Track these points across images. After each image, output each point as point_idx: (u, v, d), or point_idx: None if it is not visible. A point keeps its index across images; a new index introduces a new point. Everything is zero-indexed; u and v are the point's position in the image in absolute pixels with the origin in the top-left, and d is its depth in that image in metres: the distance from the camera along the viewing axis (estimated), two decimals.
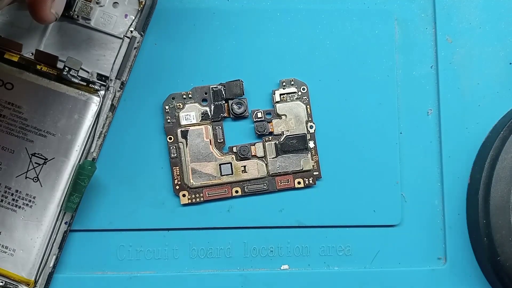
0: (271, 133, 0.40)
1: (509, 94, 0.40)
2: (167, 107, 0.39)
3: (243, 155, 0.39)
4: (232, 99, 0.40)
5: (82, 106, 0.38)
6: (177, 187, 0.39)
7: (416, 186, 0.40)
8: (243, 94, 0.40)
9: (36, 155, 0.38)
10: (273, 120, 0.40)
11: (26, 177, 0.38)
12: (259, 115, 0.40)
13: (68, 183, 0.38)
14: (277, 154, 0.39)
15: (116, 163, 0.39)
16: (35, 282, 0.37)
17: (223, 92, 0.40)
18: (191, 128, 0.40)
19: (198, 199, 0.39)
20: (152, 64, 0.40)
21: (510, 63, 0.41)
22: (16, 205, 0.37)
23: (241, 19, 0.40)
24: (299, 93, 0.40)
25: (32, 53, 0.38)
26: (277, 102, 0.40)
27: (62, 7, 0.34)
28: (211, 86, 0.40)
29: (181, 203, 0.39)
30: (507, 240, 0.37)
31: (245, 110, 0.40)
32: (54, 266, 0.38)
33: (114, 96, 0.38)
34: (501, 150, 0.38)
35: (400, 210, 0.40)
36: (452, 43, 0.41)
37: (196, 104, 0.40)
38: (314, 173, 0.40)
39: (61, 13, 0.34)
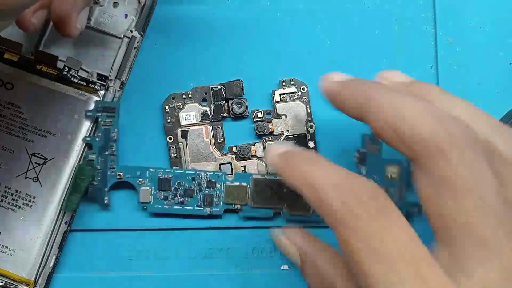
0: (271, 133, 0.40)
1: (509, 94, 0.40)
2: (167, 107, 0.39)
3: (243, 155, 0.39)
4: (232, 99, 0.40)
5: (82, 106, 0.38)
6: None
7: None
8: (243, 94, 0.40)
9: (36, 155, 0.38)
10: (273, 120, 0.40)
11: (26, 177, 0.38)
12: (259, 115, 0.40)
13: (68, 183, 0.38)
14: None
15: None
16: (35, 282, 0.37)
17: (223, 92, 0.40)
18: (191, 128, 0.40)
19: None
20: (152, 64, 0.40)
21: (510, 63, 0.41)
22: (16, 205, 0.37)
23: (241, 19, 0.40)
24: (299, 93, 0.40)
25: (32, 53, 0.38)
26: (277, 102, 0.40)
27: (86, 20, 0.35)
28: (211, 86, 0.40)
29: None
30: None
31: (245, 110, 0.40)
32: (54, 266, 0.38)
33: (114, 96, 0.38)
34: None
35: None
36: (452, 43, 0.41)
37: (196, 104, 0.40)
38: None
39: (84, 26, 0.35)
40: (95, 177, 0.38)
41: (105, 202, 0.38)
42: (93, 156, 0.38)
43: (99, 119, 0.38)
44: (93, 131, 0.38)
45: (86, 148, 0.38)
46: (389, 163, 0.39)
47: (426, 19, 0.41)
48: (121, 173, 0.38)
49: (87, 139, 0.38)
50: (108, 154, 0.38)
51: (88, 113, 0.38)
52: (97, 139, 0.38)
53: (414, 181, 0.27)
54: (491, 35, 0.41)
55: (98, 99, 0.38)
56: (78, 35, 0.35)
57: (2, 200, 0.37)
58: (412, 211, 0.39)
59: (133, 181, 0.38)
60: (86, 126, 0.38)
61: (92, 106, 0.38)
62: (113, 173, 0.38)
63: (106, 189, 0.38)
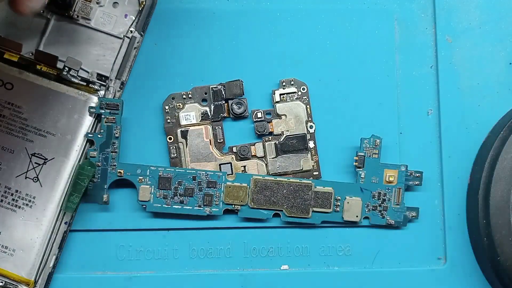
0: (271, 133, 0.40)
1: (509, 94, 0.40)
2: (167, 107, 0.39)
3: (243, 155, 0.39)
4: (232, 99, 0.40)
5: (82, 106, 0.38)
6: None
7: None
8: (243, 94, 0.40)
9: (36, 155, 0.38)
10: (273, 120, 0.40)
11: (26, 177, 0.38)
12: (259, 115, 0.40)
13: (68, 183, 0.38)
14: (277, 154, 0.39)
15: None
16: (35, 282, 0.37)
17: (223, 92, 0.40)
18: (191, 128, 0.40)
19: None
20: (152, 64, 0.40)
21: (510, 63, 0.41)
22: (16, 205, 0.37)
23: (241, 19, 0.40)
24: (299, 93, 0.40)
25: (32, 53, 0.38)
26: (277, 102, 0.40)
27: (40, 2, 0.33)
28: (211, 86, 0.40)
29: None
30: (507, 240, 0.37)
31: (245, 110, 0.40)
32: (54, 266, 0.38)
33: (114, 96, 0.38)
34: (501, 150, 0.38)
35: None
36: (452, 43, 0.41)
37: (196, 104, 0.40)
38: (314, 173, 0.40)
39: (38, 8, 0.33)
40: (95, 174, 0.38)
41: (104, 199, 0.38)
42: (94, 153, 0.38)
43: (102, 116, 0.38)
44: (95, 128, 0.38)
45: (87, 146, 0.38)
46: (388, 167, 0.39)
47: (426, 19, 0.41)
48: (121, 171, 0.38)
49: (89, 135, 0.38)
50: (109, 151, 0.38)
51: (92, 110, 0.38)
52: (99, 135, 0.38)
53: None
54: (491, 35, 0.41)
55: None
56: (28, 14, 0.33)
57: (2, 200, 0.37)
58: (411, 215, 0.39)
59: (133, 179, 0.38)
60: (86, 125, 0.38)
61: (92, 105, 0.38)
62: (113, 171, 0.38)
63: (105, 186, 0.38)
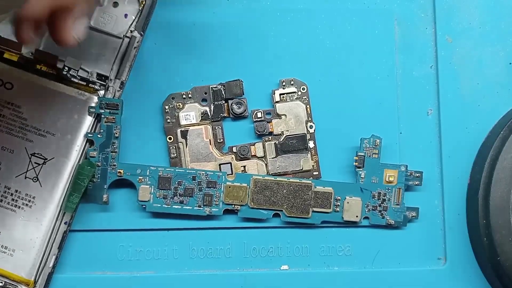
0: (271, 133, 0.40)
1: (509, 94, 0.40)
2: (167, 107, 0.39)
3: (243, 155, 0.39)
4: (232, 99, 0.40)
5: (81, 106, 0.38)
6: None
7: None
8: (243, 94, 0.40)
9: (35, 155, 0.38)
10: (273, 120, 0.40)
11: (25, 177, 0.37)
12: (259, 115, 0.40)
13: (68, 183, 0.38)
14: (277, 154, 0.39)
15: None
16: (35, 282, 0.37)
17: (223, 92, 0.40)
18: (190, 128, 0.40)
19: None
20: (152, 64, 0.40)
21: (510, 63, 0.41)
22: (16, 205, 0.37)
23: (241, 19, 0.40)
24: (299, 93, 0.40)
25: (32, 53, 0.38)
26: (277, 102, 0.40)
27: (83, 31, 0.32)
28: (211, 86, 0.40)
29: None
30: (507, 240, 0.37)
31: (245, 110, 0.40)
32: (54, 266, 0.38)
33: (114, 96, 0.38)
34: (501, 150, 0.38)
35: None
36: (452, 43, 0.41)
37: (196, 104, 0.40)
38: (314, 173, 0.40)
39: (82, 38, 0.32)
40: (95, 174, 0.38)
41: (104, 199, 0.38)
42: (94, 153, 0.38)
43: (102, 116, 0.38)
44: (94, 128, 0.38)
45: (86, 146, 0.38)
46: (388, 167, 0.39)
47: (426, 19, 0.41)
48: (121, 171, 0.38)
49: (89, 135, 0.38)
50: (109, 151, 0.38)
51: (91, 110, 0.38)
52: (99, 135, 0.38)
53: None
54: (491, 35, 0.41)
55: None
56: (73, 45, 0.31)
57: (1, 200, 0.37)
58: (411, 215, 0.39)
59: (133, 179, 0.38)
60: (86, 125, 0.38)
61: (92, 105, 0.38)
62: (113, 171, 0.38)
63: (105, 186, 0.38)
